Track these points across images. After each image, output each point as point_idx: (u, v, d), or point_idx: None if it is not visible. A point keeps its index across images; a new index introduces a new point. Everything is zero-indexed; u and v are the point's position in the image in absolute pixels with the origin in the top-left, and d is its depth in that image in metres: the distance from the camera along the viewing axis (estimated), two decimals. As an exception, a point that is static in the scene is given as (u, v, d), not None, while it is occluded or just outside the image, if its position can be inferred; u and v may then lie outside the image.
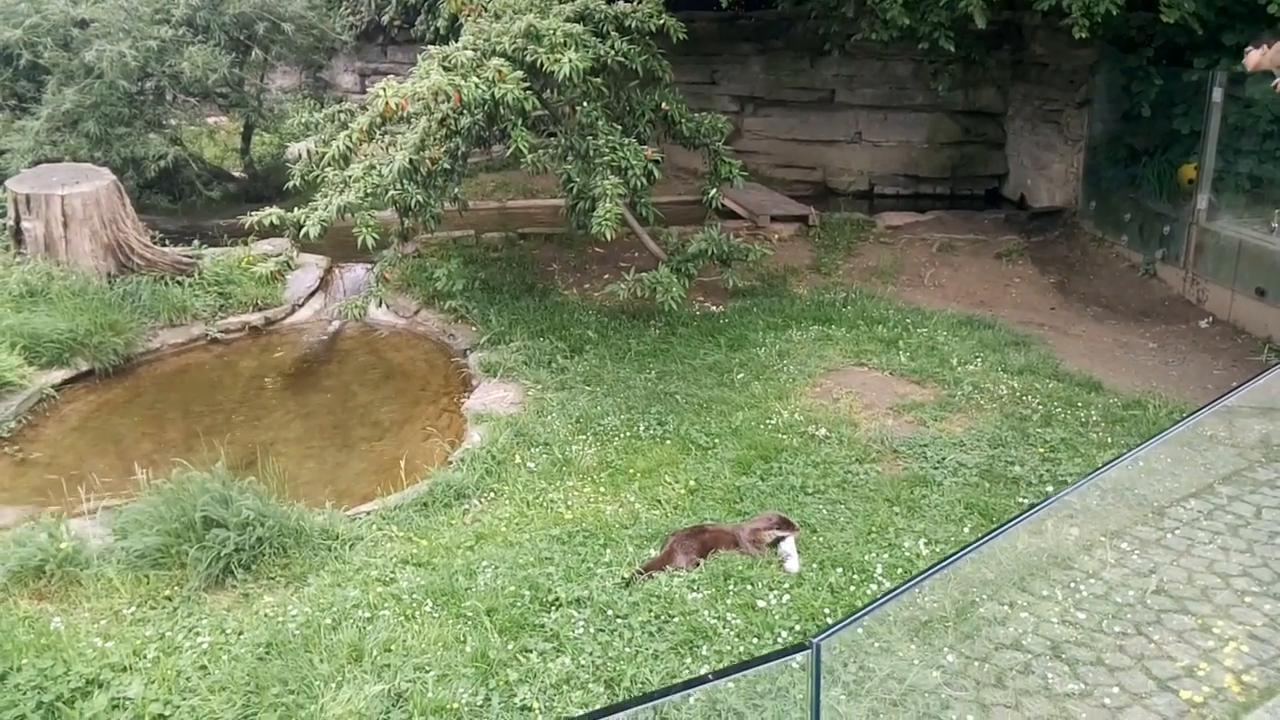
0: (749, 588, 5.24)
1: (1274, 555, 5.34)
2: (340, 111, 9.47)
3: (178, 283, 9.85)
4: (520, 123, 8.27)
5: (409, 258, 10.46)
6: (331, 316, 10.34)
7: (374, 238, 8.19)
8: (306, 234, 8.15)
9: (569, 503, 6.33)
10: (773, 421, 7.35)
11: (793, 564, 5.47)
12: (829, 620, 4.90)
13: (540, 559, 5.57)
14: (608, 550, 5.68)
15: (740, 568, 5.39)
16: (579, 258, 11.39)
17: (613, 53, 8.71)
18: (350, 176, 8.31)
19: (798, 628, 4.89)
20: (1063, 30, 9.82)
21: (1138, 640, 4.69)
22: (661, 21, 9.01)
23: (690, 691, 4.32)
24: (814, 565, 5.49)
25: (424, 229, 9.27)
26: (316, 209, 8.24)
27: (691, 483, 6.52)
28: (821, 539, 5.77)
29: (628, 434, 7.24)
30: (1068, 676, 4.46)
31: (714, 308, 9.98)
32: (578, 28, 8.37)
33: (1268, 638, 4.65)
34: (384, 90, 7.87)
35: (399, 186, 8.28)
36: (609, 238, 8.14)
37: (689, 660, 4.68)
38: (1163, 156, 10.81)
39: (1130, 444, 6.45)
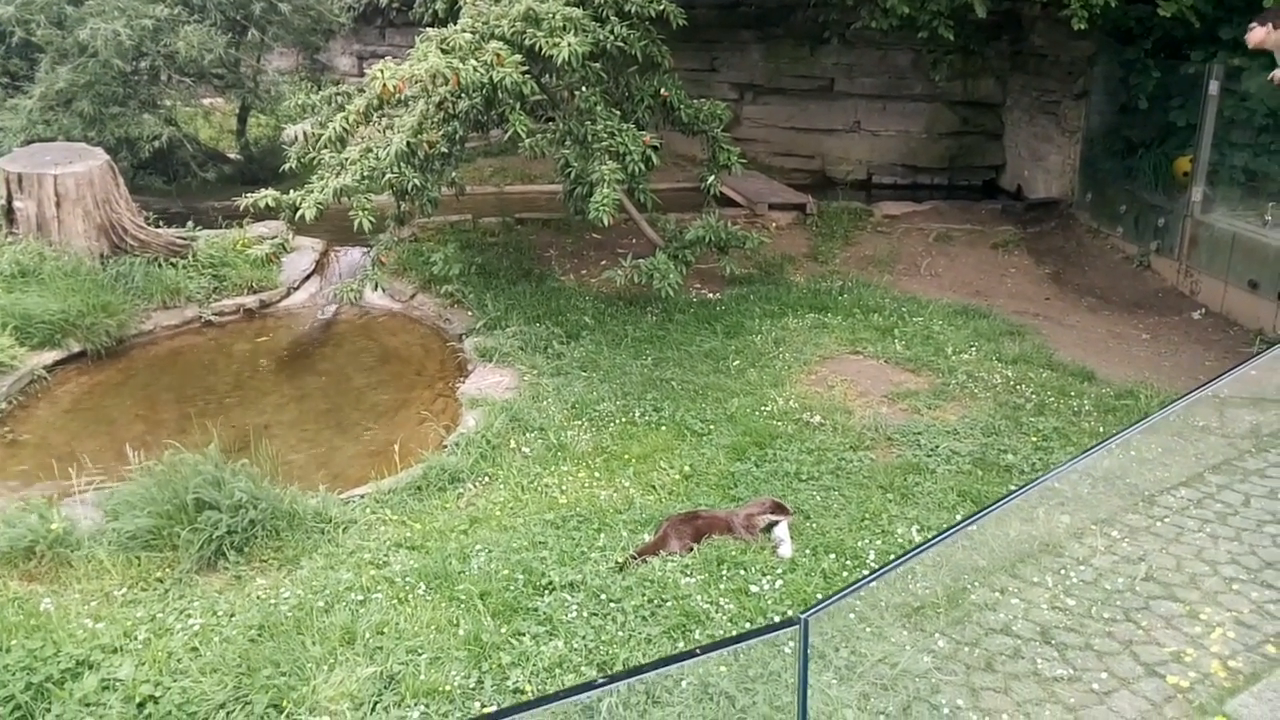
0: (742, 573, 5.26)
1: (1261, 543, 5.36)
2: (337, 94, 9.42)
3: (171, 264, 9.80)
4: (518, 107, 8.24)
5: (405, 241, 10.43)
6: (327, 300, 10.31)
7: (370, 221, 8.17)
8: (302, 216, 8.11)
9: (563, 487, 6.34)
10: (768, 408, 7.36)
11: (786, 550, 5.49)
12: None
13: (534, 543, 5.58)
14: (602, 535, 5.69)
15: (734, 553, 5.40)
16: (576, 243, 11.37)
17: (612, 38, 8.67)
18: (347, 159, 8.28)
19: (790, 613, 4.90)
20: (1062, 22, 9.82)
21: (1126, 626, 4.72)
22: (661, 7, 8.97)
23: (682, 675, 4.34)
24: (807, 551, 5.50)
25: (421, 213, 9.24)
26: (312, 191, 8.20)
27: (686, 468, 6.53)
28: (815, 525, 5.79)
29: (623, 419, 7.25)
30: (1057, 661, 4.49)
31: (711, 295, 9.98)
32: (577, 12, 8.32)
33: (1254, 624, 4.67)
34: (381, 72, 7.82)
35: (396, 170, 8.25)
36: (606, 223, 8.12)
37: (682, 644, 4.69)
38: (1159, 149, 10.82)
39: (1134, 435, 6.47)
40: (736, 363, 8.24)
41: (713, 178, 9.50)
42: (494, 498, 6.25)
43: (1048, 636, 4.67)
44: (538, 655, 4.62)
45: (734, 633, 4.78)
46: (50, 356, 8.41)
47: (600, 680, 3.98)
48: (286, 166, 9.27)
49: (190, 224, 10.76)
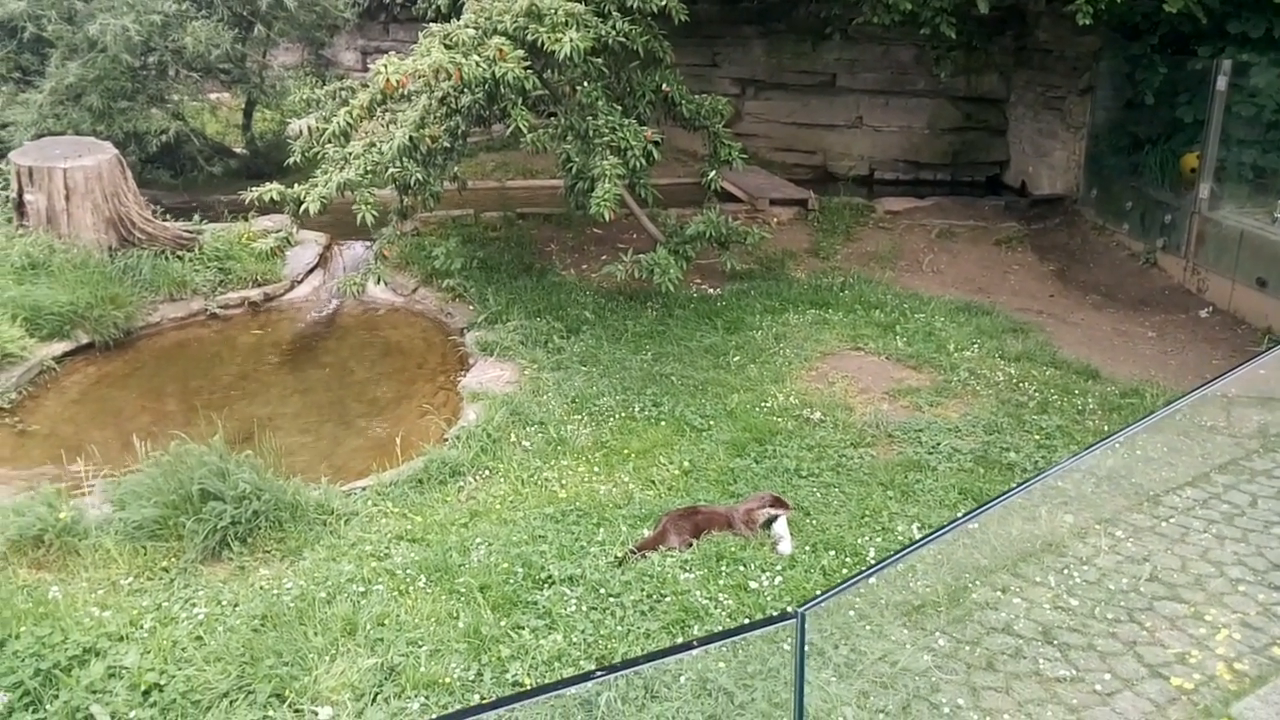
0: (741, 569, 5.27)
1: (1268, 544, 5.36)
2: (342, 89, 9.44)
3: (178, 257, 9.84)
4: (520, 102, 8.24)
5: (408, 236, 10.42)
6: (330, 293, 10.33)
7: (373, 215, 8.18)
8: (306, 210, 8.14)
9: (563, 482, 6.36)
10: (768, 404, 7.37)
11: (785, 546, 5.50)
12: (821, 603, 4.91)
13: (534, 537, 5.59)
14: (601, 529, 5.71)
15: (733, 549, 5.42)
16: (577, 238, 11.38)
17: (614, 33, 8.67)
18: (350, 153, 8.29)
19: (790, 609, 4.90)
20: (1067, 17, 9.79)
21: (1130, 627, 4.72)
22: (663, 2, 8.96)
23: (681, 670, 4.36)
24: (807, 548, 5.51)
25: (423, 207, 9.25)
26: (316, 185, 8.23)
27: (686, 464, 6.54)
28: (815, 522, 5.80)
29: (623, 414, 7.26)
30: (1059, 661, 4.49)
31: (711, 290, 9.98)
32: (579, 7, 8.32)
33: (1261, 625, 4.67)
34: (385, 67, 7.83)
35: (399, 164, 8.27)
36: (607, 218, 8.13)
37: (680, 640, 4.70)
38: (1165, 145, 10.80)
39: (1134, 433, 6.47)
40: (737, 358, 8.25)
41: (714, 173, 9.50)
42: (494, 491, 6.27)
43: (1050, 636, 4.67)
44: (537, 648, 4.64)
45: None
46: (59, 348, 8.45)
47: (597, 672, 4.01)
48: (291, 161, 9.28)
49: (197, 217, 10.79)
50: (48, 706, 4.24)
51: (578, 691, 4.19)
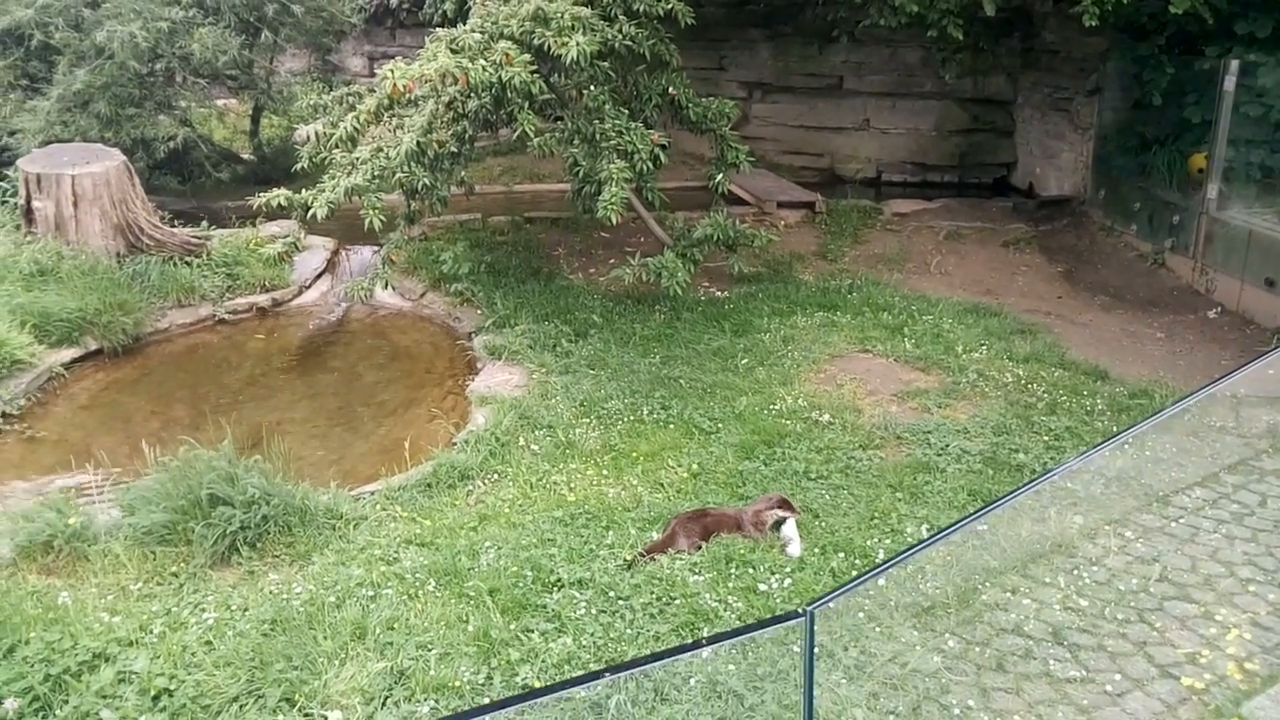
0: (751, 571, 5.26)
1: (1278, 544, 5.34)
2: (349, 94, 9.46)
3: (186, 263, 9.88)
4: (527, 106, 8.25)
5: (415, 240, 10.47)
6: (338, 298, 10.36)
7: (381, 220, 8.20)
8: (314, 215, 8.17)
9: (572, 485, 6.36)
10: (776, 407, 7.36)
11: (794, 548, 5.49)
12: (831, 605, 4.90)
13: (543, 540, 5.60)
14: (610, 532, 5.71)
15: (742, 551, 5.41)
16: (585, 242, 11.39)
17: (620, 37, 8.68)
18: (357, 159, 8.32)
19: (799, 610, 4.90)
20: (1073, 18, 9.77)
21: (1140, 627, 4.71)
22: (670, 5, 8.97)
23: (690, 673, 4.36)
24: (816, 550, 5.50)
25: (430, 212, 9.27)
26: (324, 191, 8.25)
27: (694, 467, 6.53)
28: (824, 524, 5.79)
29: (631, 418, 7.26)
30: (1069, 662, 4.48)
31: (719, 293, 9.98)
32: (585, 11, 8.33)
33: (1271, 625, 4.66)
34: (391, 72, 7.85)
35: (406, 169, 8.28)
36: (614, 222, 8.13)
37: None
38: (1173, 145, 10.76)
39: (1140, 433, 6.45)
40: (745, 361, 8.24)
41: (721, 176, 9.50)
42: (503, 495, 6.27)
43: (1060, 637, 4.66)
44: (546, 652, 4.64)
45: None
46: (68, 354, 8.49)
47: (603, 670, 4.00)
48: (299, 166, 9.32)
49: (204, 223, 10.83)
50: (57, 712, 4.25)
51: (587, 694, 4.19)
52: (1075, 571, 5.17)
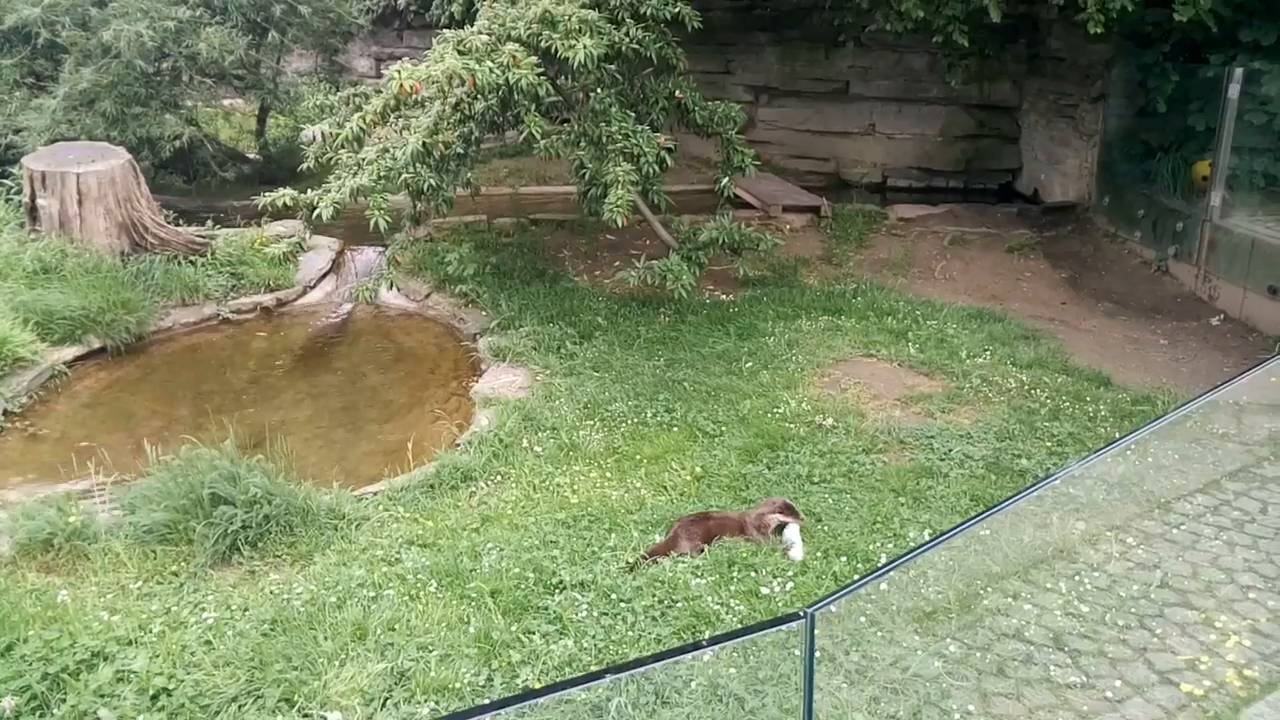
0: (753, 575, 5.26)
1: (1279, 551, 5.33)
2: (355, 95, 9.47)
3: (190, 262, 9.88)
4: (534, 108, 8.25)
5: (421, 241, 10.47)
6: (343, 299, 10.37)
7: (386, 221, 8.20)
8: (319, 216, 8.16)
9: (575, 487, 6.35)
10: (780, 410, 7.36)
11: (797, 552, 5.49)
12: (832, 609, 4.90)
13: (545, 542, 5.60)
14: (613, 535, 5.70)
15: (745, 555, 5.41)
16: (590, 244, 11.39)
17: (627, 40, 8.69)
18: (363, 159, 8.33)
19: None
20: (1078, 25, 9.76)
21: (1140, 633, 4.70)
22: (677, 9, 8.99)
23: (691, 676, 4.35)
24: (818, 554, 5.50)
25: (436, 213, 9.28)
26: (329, 191, 8.26)
27: (698, 470, 6.53)
28: (826, 528, 5.78)
29: (635, 420, 7.25)
30: (1069, 668, 4.47)
31: (724, 296, 9.98)
32: (593, 14, 8.34)
33: (1271, 632, 4.65)
34: (398, 73, 7.86)
35: (412, 170, 8.29)
36: (620, 225, 8.14)
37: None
38: (1177, 153, 10.76)
39: (1138, 440, 6.44)
40: (749, 364, 8.24)
41: (727, 179, 9.51)
42: (506, 496, 6.27)
43: (1061, 642, 4.65)
44: (547, 654, 4.63)
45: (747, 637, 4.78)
46: (71, 352, 8.49)
47: (601, 671, 3.99)
48: (304, 166, 9.33)
49: (209, 223, 10.84)
50: (55, 711, 4.25)
51: (588, 697, 4.19)
52: (1077, 577, 5.16)
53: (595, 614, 4.93)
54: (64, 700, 4.28)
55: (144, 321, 9.09)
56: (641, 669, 3.90)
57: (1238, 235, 9.55)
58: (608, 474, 6.53)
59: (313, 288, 10.58)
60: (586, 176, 8.76)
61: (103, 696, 4.32)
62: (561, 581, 5.19)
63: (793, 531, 5.60)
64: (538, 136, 8.26)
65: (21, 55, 12.21)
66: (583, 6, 8.40)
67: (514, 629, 4.82)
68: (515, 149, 14.02)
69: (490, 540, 5.65)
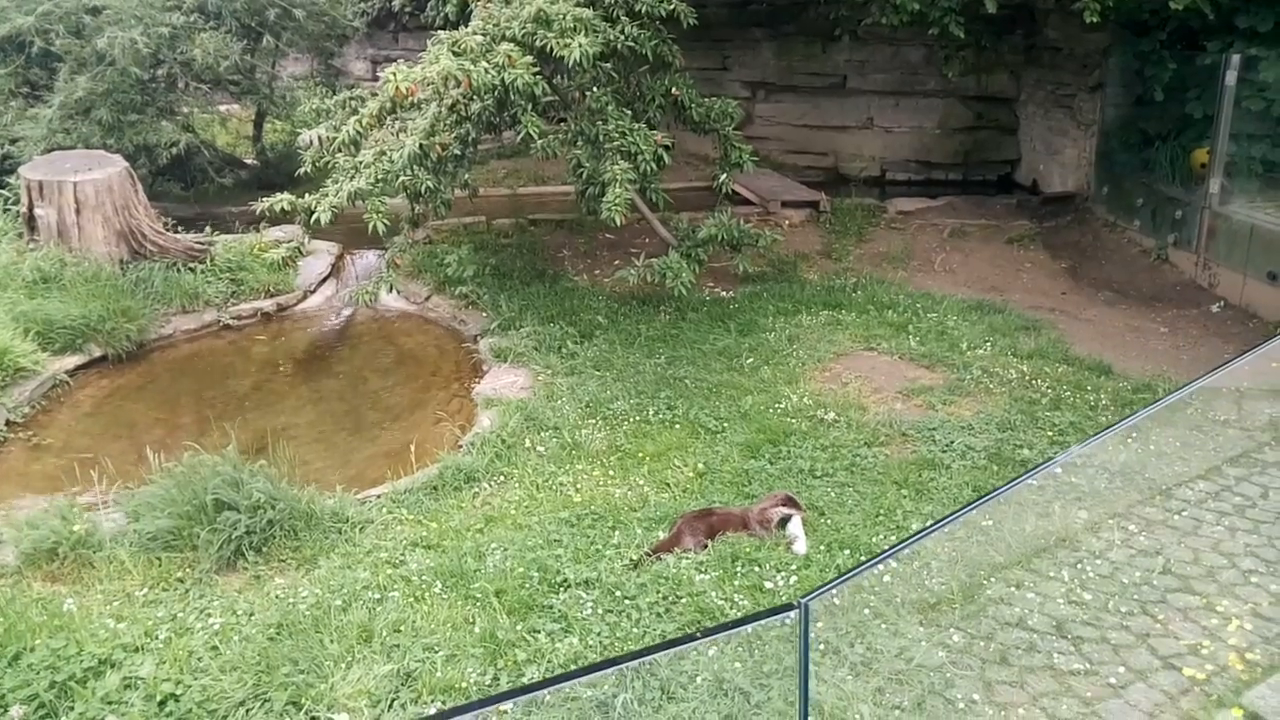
0: (757, 569, 5.27)
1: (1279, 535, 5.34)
2: (351, 98, 9.47)
3: (190, 269, 9.90)
4: (530, 108, 8.26)
5: (420, 244, 10.49)
6: (343, 303, 10.38)
7: (385, 224, 8.21)
8: (317, 220, 8.18)
9: (578, 486, 6.37)
10: (782, 406, 7.36)
11: (800, 546, 5.50)
12: (836, 602, 4.92)
13: (549, 541, 5.61)
14: (616, 533, 5.72)
15: (748, 549, 5.42)
16: (589, 244, 11.40)
17: (623, 38, 8.69)
18: (361, 162, 8.34)
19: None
20: (1075, 14, 9.77)
21: (1143, 619, 4.71)
22: (672, 6, 8.98)
23: (696, 671, 4.36)
24: (821, 547, 5.51)
25: (434, 215, 9.28)
26: (327, 195, 8.27)
27: (700, 466, 6.54)
28: (829, 521, 5.79)
29: (637, 418, 7.26)
30: (1072, 655, 4.48)
31: (724, 293, 9.98)
32: (587, 12, 8.34)
33: (1272, 616, 4.66)
34: (394, 75, 7.87)
35: (409, 172, 8.30)
36: (619, 223, 8.14)
37: (697, 641, 4.70)
38: (1175, 141, 10.75)
39: (1140, 427, 6.44)
40: (750, 360, 8.25)
41: (725, 176, 9.50)
42: (509, 496, 6.28)
43: (1063, 630, 4.66)
44: (553, 652, 4.64)
45: (748, 629, 4.78)
46: (72, 361, 8.51)
47: (598, 664, 4.01)
48: (302, 171, 9.35)
49: (208, 229, 10.86)
50: (64, 718, 4.26)
51: (594, 694, 4.20)
52: (1079, 565, 5.17)
53: (600, 611, 4.94)
54: (72, 708, 4.30)
55: (145, 329, 9.11)
56: (635, 661, 3.92)
57: (1237, 222, 9.55)
58: (610, 472, 6.54)
59: (313, 292, 10.59)
60: (584, 175, 8.77)
61: (110, 704, 4.33)
62: (566, 580, 5.20)
63: (796, 526, 5.61)
64: (535, 136, 8.26)
65: (16, 65, 12.23)
66: (577, 5, 8.40)
67: (519, 628, 4.83)
68: (513, 149, 14.04)
69: (494, 540, 5.66)
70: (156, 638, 4.82)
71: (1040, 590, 4.98)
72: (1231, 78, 9.51)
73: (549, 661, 4.59)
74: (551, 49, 8.09)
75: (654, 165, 8.57)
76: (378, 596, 5.13)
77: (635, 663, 4.50)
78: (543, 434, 7.05)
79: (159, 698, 4.38)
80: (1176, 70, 10.46)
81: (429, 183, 8.45)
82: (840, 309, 9.38)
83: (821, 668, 4.38)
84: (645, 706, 4.17)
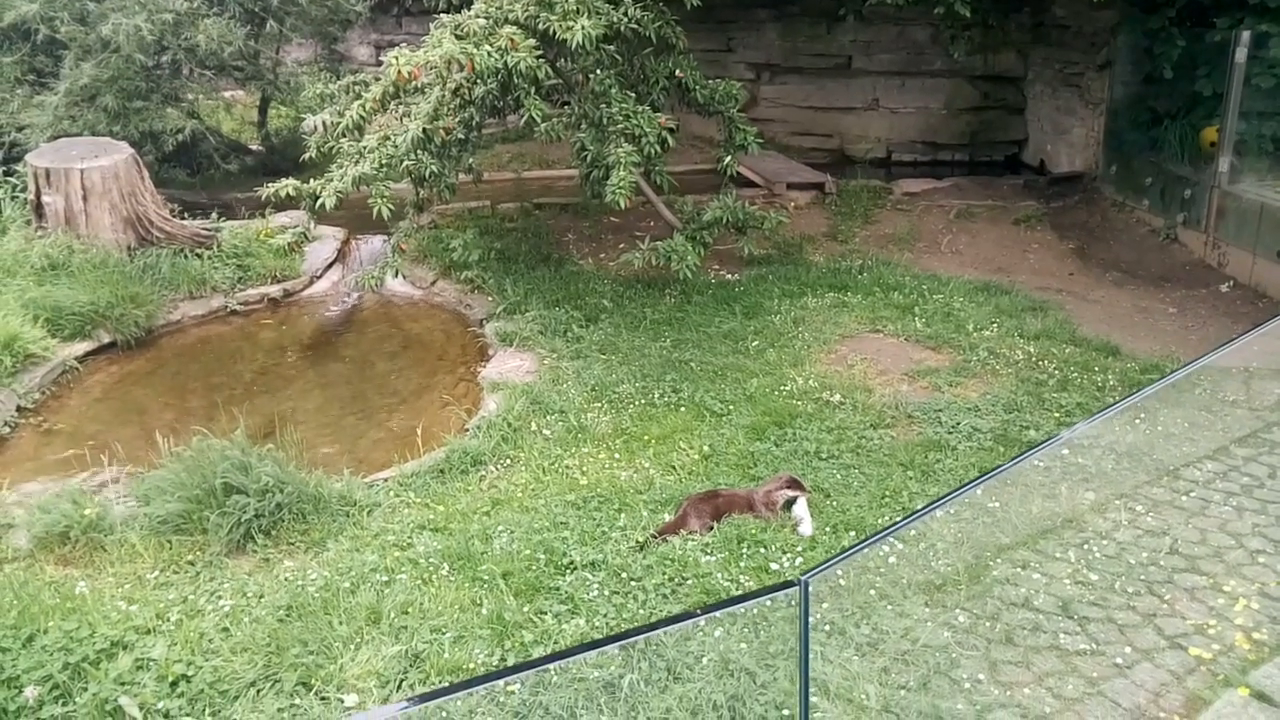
0: (762, 551, 5.29)
1: (1288, 515, 5.34)
2: (355, 83, 9.46)
3: (197, 255, 9.93)
4: (534, 91, 8.24)
5: (425, 229, 10.48)
6: (349, 288, 10.39)
7: (389, 209, 8.22)
8: (322, 205, 8.19)
9: (584, 469, 6.39)
10: (787, 388, 7.37)
11: (806, 528, 5.51)
12: (841, 583, 4.93)
13: (555, 524, 5.63)
14: (622, 515, 5.74)
15: (754, 531, 5.43)
16: (594, 227, 11.39)
17: (626, 19, 8.66)
18: (365, 147, 8.33)
19: (810, 590, 4.92)
20: (1082, -9, 9.71)
21: (1149, 599, 4.71)
22: (675, -13, 8.96)
23: (703, 652, 4.39)
24: (827, 529, 5.52)
25: (439, 199, 9.28)
26: (332, 180, 8.28)
27: (706, 449, 6.56)
28: (835, 503, 5.81)
29: (643, 401, 7.28)
30: (1078, 635, 4.49)
31: (729, 276, 9.97)
32: (590, -5, 8.32)
33: (1279, 595, 4.65)
34: (396, 59, 7.85)
35: (413, 157, 8.30)
36: (623, 206, 8.13)
37: (702, 622, 4.72)
38: (1185, 119, 10.68)
39: (1147, 408, 6.43)
40: (756, 343, 8.25)
41: (729, 158, 9.47)
42: (515, 479, 6.31)
43: (1069, 610, 4.67)
44: (560, 634, 4.67)
45: (754, 610, 4.80)
46: (81, 347, 8.55)
47: (598, 641, 4.03)
48: (307, 156, 9.33)
49: (214, 215, 10.87)
50: (77, 699, 4.30)
51: (601, 675, 4.23)
52: (1085, 546, 5.17)
53: (606, 593, 4.97)
54: (85, 689, 4.33)
55: (153, 315, 9.15)
56: (639, 638, 3.94)
57: (1246, 201, 9.50)
58: (616, 455, 6.56)
59: (319, 277, 10.61)
60: (588, 159, 8.75)
61: (123, 684, 4.37)
62: (572, 562, 5.23)
63: (801, 507, 5.62)
64: (538, 120, 8.25)
65: (21, 53, 12.24)
66: (580, -13, 8.37)
67: (526, 610, 4.86)
68: (516, 133, 14.01)
69: (501, 523, 5.69)
70: (168, 620, 4.86)
71: (1046, 571, 4.99)
72: (1241, 55, 9.44)
73: (556, 643, 4.61)
74: (554, 32, 8.06)
75: (658, 148, 8.56)
76: (386, 579, 5.16)
77: (640, 640, 4.55)
78: (548, 417, 7.07)
79: (171, 678, 4.42)
80: (1186, 47, 10.38)
81: (433, 167, 8.45)
82: (846, 291, 9.37)
83: (827, 648, 4.40)
84: (652, 687, 4.20)
